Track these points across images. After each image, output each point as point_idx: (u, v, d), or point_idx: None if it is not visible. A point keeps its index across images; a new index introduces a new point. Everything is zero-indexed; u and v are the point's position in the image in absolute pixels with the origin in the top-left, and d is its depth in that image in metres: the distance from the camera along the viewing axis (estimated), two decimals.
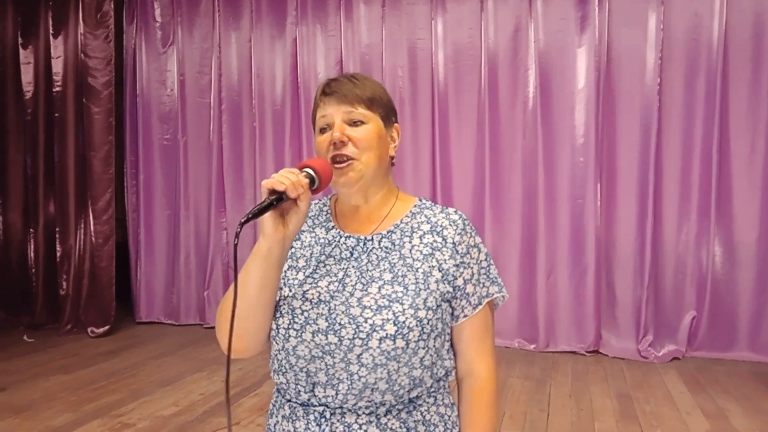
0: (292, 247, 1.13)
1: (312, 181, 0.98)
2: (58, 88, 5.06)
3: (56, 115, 5.06)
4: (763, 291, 3.99)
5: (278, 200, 0.93)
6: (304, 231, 1.16)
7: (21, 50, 5.22)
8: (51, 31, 5.08)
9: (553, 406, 3.27)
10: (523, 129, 4.37)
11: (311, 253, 1.12)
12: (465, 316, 1.07)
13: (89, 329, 4.85)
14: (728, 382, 3.63)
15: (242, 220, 0.88)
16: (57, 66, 5.06)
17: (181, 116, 5.12)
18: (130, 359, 4.19)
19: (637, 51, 4.13)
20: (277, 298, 1.06)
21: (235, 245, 0.88)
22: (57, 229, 5.11)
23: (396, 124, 1.15)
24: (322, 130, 1.09)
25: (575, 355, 4.23)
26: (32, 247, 5.31)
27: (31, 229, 5.31)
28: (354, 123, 1.07)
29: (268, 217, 0.96)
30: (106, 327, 4.86)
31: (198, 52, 5.11)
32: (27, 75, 5.22)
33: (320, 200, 1.22)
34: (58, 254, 5.08)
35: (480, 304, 1.08)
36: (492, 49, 4.40)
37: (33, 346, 4.56)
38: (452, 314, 1.07)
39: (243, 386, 3.54)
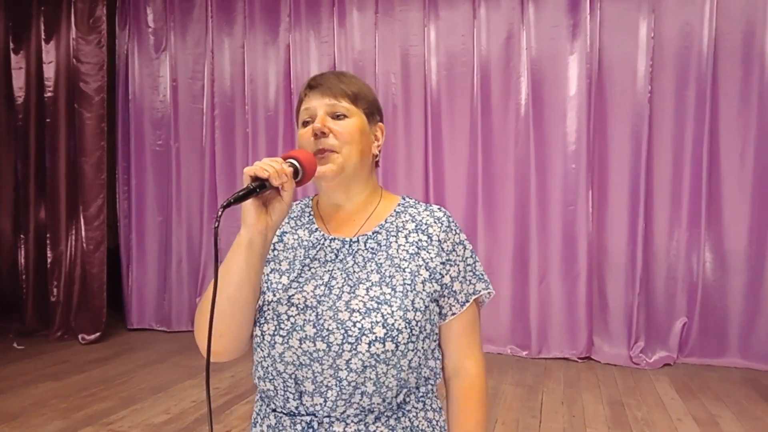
0: (274, 249, 1.11)
1: (296, 171, 0.97)
2: (49, 94, 5.04)
3: (48, 120, 5.03)
4: (754, 297, 4.01)
5: (261, 187, 0.92)
6: (286, 232, 1.13)
7: (12, 55, 5.19)
8: (43, 36, 5.06)
9: (545, 412, 3.27)
10: (515, 136, 4.39)
11: (294, 256, 1.10)
12: (453, 314, 1.07)
13: (80, 336, 4.82)
14: (719, 388, 3.65)
15: (223, 204, 0.87)
16: (49, 71, 5.04)
17: (174, 122, 5.11)
18: (122, 366, 4.16)
19: (628, 58, 4.16)
20: (261, 303, 1.04)
21: (216, 228, 0.87)
22: (48, 235, 5.07)
23: (380, 124, 1.14)
24: (305, 123, 1.08)
25: (567, 362, 4.23)
26: (23, 253, 5.26)
27: (22, 235, 5.26)
28: (337, 116, 1.06)
29: (250, 205, 0.94)
30: (97, 334, 4.83)
31: (191, 57, 5.10)
32: (18, 80, 5.19)
33: (301, 200, 1.20)
34: (49, 260, 5.05)
35: (467, 301, 1.08)
36: (484, 56, 4.42)
37: (23, 353, 4.52)
38: (440, 313, 1.07)
39: (235, 393, 3.53)
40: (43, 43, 5.06)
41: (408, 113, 4.59)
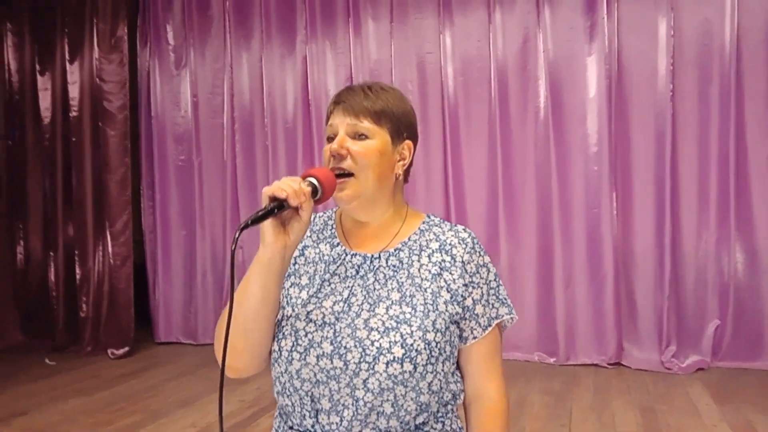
0: (295, 263, 1.11)
1: (315, 190, 0.97)
2: (74, 113, 5.14)
3: (73, 139, 5.14)
4: None
5: (279, 207, 0.92)
6: (308, 246, 1.13)
7: (39, 77, 5.33)
8: (67, 58, 5.18)
9: (574, 420, 3.21)
10: (535, 140, 4.34)
11: (315, 271, 1.09)
12: (474, 338, 1.05)
13: (109, 351, 4.88)
14: (755, 392, 3.53)
15: (241, 225, 0.87)
16: (73, 91, 5.15)
17: (195, 137, 5.17)
18: (149, 380, 4.20)
19: (647, 58, 4.08)
20: (280, 317, 1.04)
21: (233, 251, 0.87)
22: (76, 252, 5.17)
23: (408, 141, 1.11)
24: (329, 139, 1.07)
25: (597, 368, 4.15)
26: (52, 270, 5.38)
27: (51, 253, 5.38)
28: (358, 136, 1.04)
29: (268, 225, 0.94)
30: (126, 348, 4.89)
31: (210, 73, 5.17)
32: (45, 101, 5.32)
33: (324, 213, 1.19)
34: (78, 277, 5.13)
35: (490, 325, 1.06)
36: (501, 61, 4.39)
37: (53, 369, 4.60)
38: (461, 336, 1.05)
39: (260, 406, 3.53)
40: (67, 64, 5.18)
41: (425, 120, 4.57)
